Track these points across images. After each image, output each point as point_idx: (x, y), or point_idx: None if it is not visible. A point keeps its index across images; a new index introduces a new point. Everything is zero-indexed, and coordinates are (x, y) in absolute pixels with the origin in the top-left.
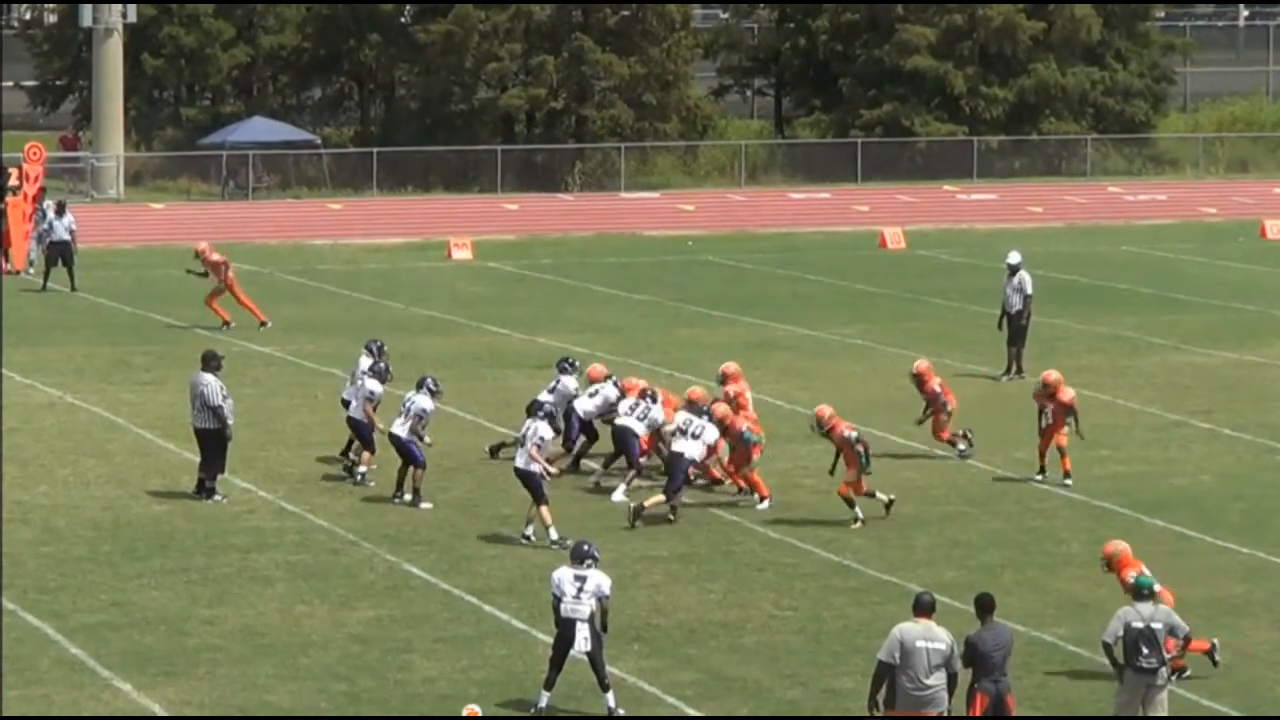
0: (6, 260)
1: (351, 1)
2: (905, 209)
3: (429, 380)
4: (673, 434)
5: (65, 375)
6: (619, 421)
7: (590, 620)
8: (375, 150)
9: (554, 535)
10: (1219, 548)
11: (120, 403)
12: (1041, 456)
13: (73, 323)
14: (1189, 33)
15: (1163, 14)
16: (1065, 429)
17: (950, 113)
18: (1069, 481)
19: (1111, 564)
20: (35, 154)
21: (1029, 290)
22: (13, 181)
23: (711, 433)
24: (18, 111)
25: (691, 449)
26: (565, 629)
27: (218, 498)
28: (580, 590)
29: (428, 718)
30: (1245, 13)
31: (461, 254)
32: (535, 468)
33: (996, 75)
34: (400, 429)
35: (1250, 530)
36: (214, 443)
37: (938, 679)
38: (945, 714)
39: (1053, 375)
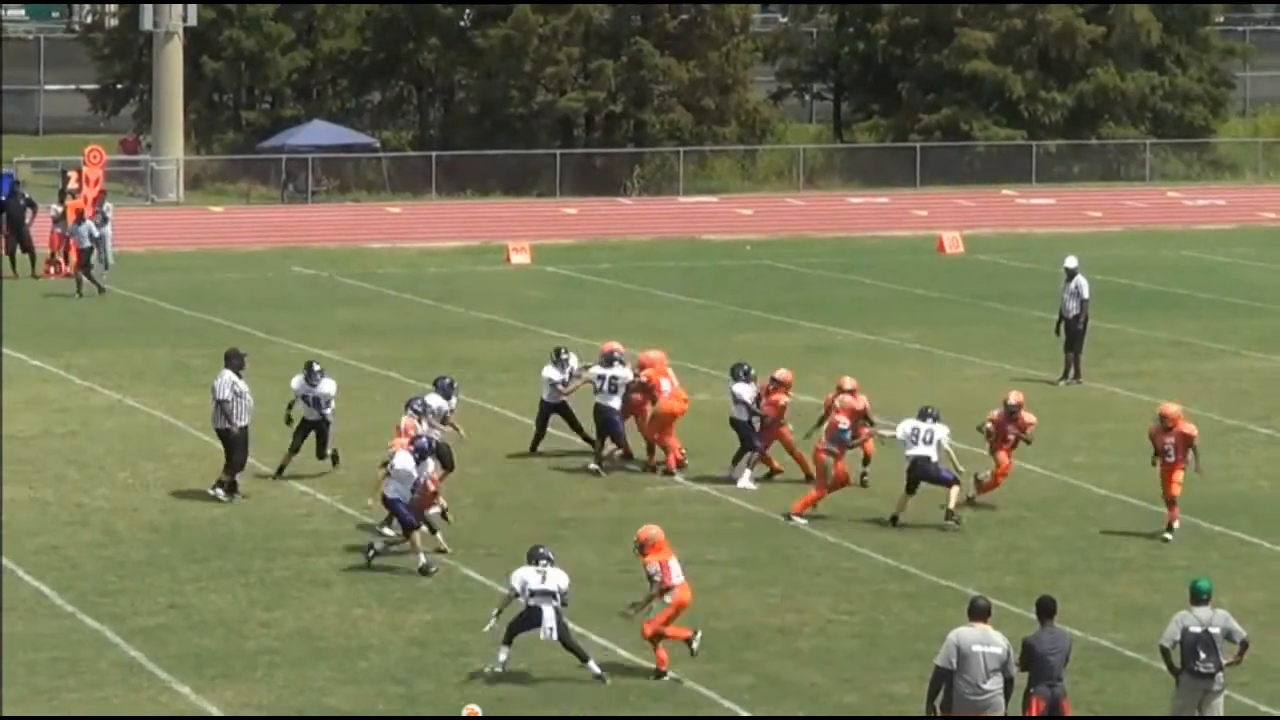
0: (66, 263)
1: (411, 2)
2: (963, 213)
3: (444, 379)
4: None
5: (124, 378)
6: (595, 401)
7: (556, 609)
8: (434, 154)
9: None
10: (1277, 553)
11: (179, 406)
12: (1170, 505)
13: (132, 325)
14: (1248, 37)
15: (1222, 18)
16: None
17: (1009, 117)
18: (1169, 536)
19: None
20: (95, 157)
21: (1086, 295)
22: (71, 185)
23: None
24: (79, 115)
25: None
26: (531, 614)
27: (238, 496)
28: (544, 579)
29: (427, 718)
30: None
31: (520, 258)
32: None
33: (1055, 79)
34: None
35: None
36: (226, 441)
37: (995, 683)
38: (1003, 718)
39: (1171, 408)
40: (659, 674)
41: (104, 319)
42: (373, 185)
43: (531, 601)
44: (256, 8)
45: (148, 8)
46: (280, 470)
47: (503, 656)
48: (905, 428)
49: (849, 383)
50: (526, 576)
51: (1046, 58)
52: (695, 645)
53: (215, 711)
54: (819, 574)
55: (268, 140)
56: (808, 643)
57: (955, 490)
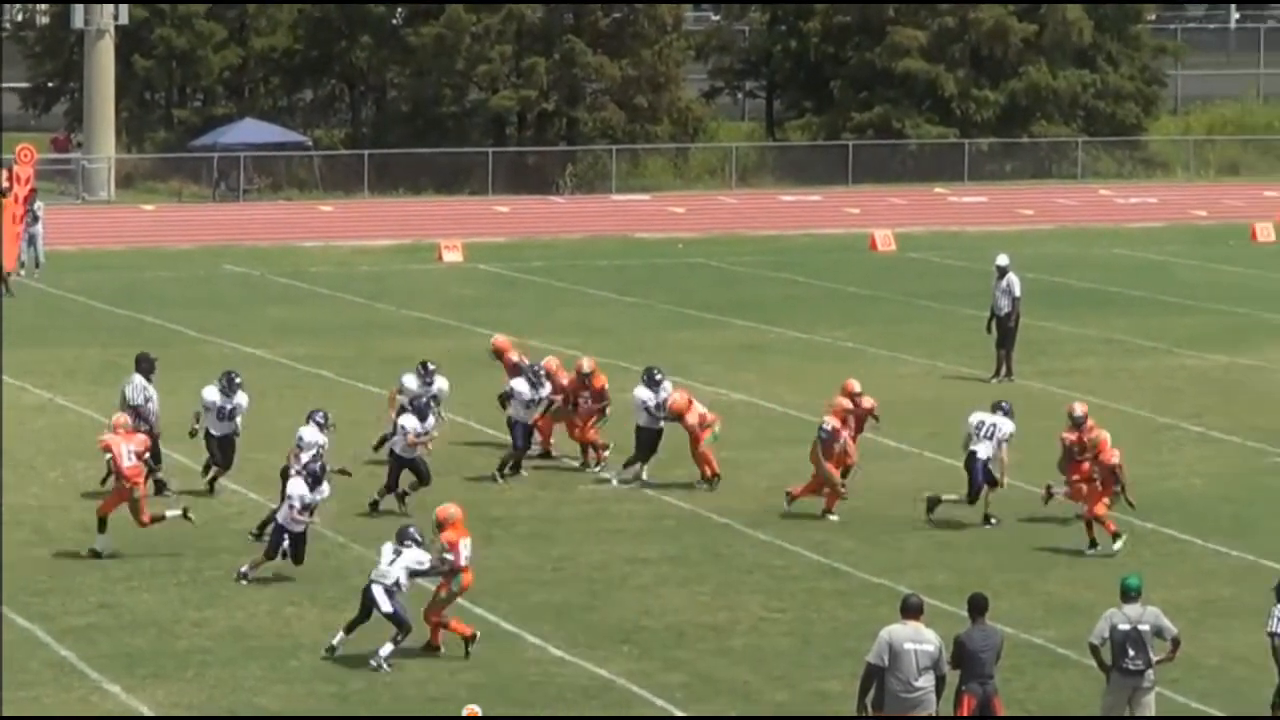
0: None
1: (343, 2)
2: (896, 211)
3: (318, 414)
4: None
5: (55, 377)
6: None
7: (393, 585)
8: (366, 152)
9: None
10: (1209, 550)
11: (111, 405)
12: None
13: (63, 324)
14: (1180, 35)
15: (1154, 16)
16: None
17: (941, 115)
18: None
19: None
20: (26, 156)
21: (1017, 292)
22: (3, 183)
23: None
24: (10, 114)
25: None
26: (366, 592)
27: (167, 493)
28: (393, 561)
29: (431, 718)
30: (1236, 15)
31: (452, 256)
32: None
33: (987, 78)
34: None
35: (1240, 533)
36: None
37: (926, 681)
38: (934, 716)
39: (1079, 408)
40: (432, 647)
41: (35, 318)
42: (305, 184)
43: (372, 578)
44: (188, 6)
45: (79, 6)
46: (211, 484)
47: (335, 640)
48: (973, 420)
49: (855, 386)
50: (382, 553)
51: (978, 56)
52: (472, 648)
53: (146, 711)
54: (751, 572)
55: (199, 139)
56: (740, 641)
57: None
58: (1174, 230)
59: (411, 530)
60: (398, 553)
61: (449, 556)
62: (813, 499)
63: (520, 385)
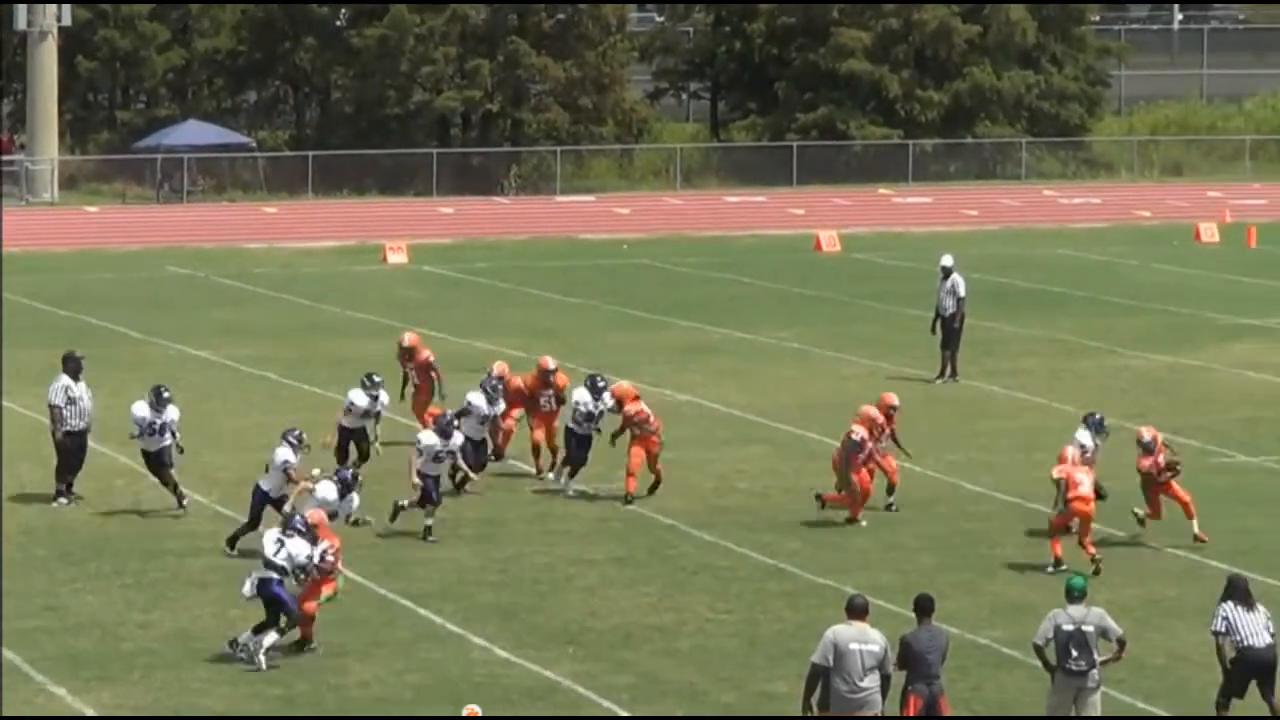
0: None
1: (287, 1)
2: (841, 212)
3: (291, 433)
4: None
5: None
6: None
7: (269, 569)
8: (310, 153)
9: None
10: (1152, 550)
11: None
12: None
13: (6, 326)
14: (1123, 36)
15: (1097, 17)
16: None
17: (885, 116)
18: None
19: None
20: None
21: (962, 293)
22: None
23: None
24: None
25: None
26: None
27: (62, 500)
28: (275, 553)
29: (428, 717)
30: (1179, 16)
31: (397, 258)
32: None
33: (932, 79)
34: (266, 483)
35: (1185, 533)
36: (58, 447)
37: (871, 681)
38: (879, 716)
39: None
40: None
41: None
42: (249, 185)
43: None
44: (131, 7)
45: (21, 7)
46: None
47: (241, 638)
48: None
49: (894, 399)
50: (266, 541)
51: (923, 57)
52: (314, 646)
53: (91, 713)
54: (696, 573)
55: (143, 140)
56: (686, 642)
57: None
58: (1118, 231)
59: (296, 521)
60: (281, 543)
61: (330, 558)
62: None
63: (477, 399)
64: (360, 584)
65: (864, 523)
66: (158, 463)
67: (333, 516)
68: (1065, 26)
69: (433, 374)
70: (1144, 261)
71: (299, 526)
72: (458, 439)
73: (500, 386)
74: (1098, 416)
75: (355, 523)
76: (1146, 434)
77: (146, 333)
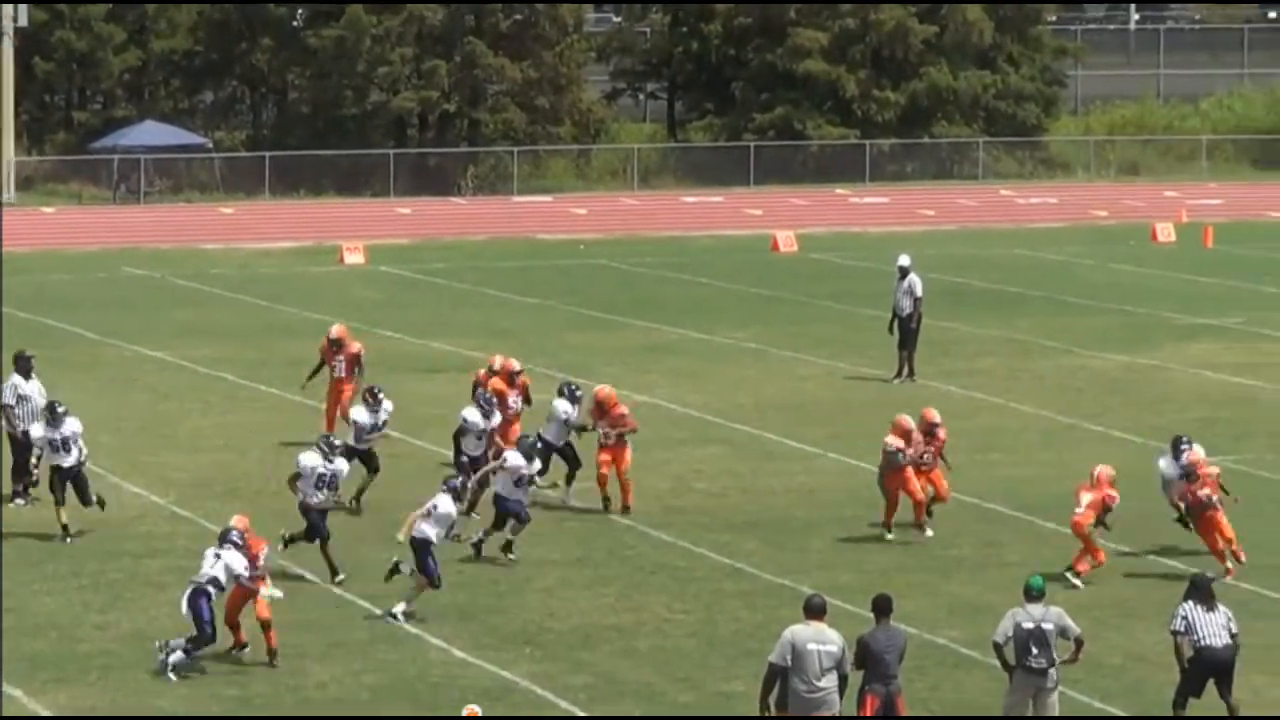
0: None
1: (243, 1)
2: (798, 212)
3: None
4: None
5: None
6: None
7: (207, 585)
8: (267, 154)
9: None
10: (1111, 550)
11: None
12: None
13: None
14: (1080, 36)
15: (1054, 18)
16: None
17: (842, 116)
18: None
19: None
20: None
21: (919, 293)
22: None
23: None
24: None
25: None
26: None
27: (19, 502)
28: (212, 566)
29: (427, 717)
30: (1135, 16)
31: (354, 258)
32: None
33: (888, 79)
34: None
35: (1141, 532)
36: (13, 446)
37: (829, 681)
38: (837, 716)
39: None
40: (241, 647)
41: None
42: (205, 186)
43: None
44: (87, 8)
45: None
46: (64, 529)
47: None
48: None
49: (935, 416)
50: (206, 555)
51: (879, 57)
52: (243, 653)
53: (47, 714)
54: (654, 573)
55: (99, 141)
56: (644, 642)
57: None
58: (1075, 230)
59: (233, 534)
60: (218, 556)
61: (262, 563)
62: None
63: (472, 415)
64: (317, 585)
65: (891, 535)
66: (72, 480)
67: (451, 532)
68: (1022, 27)
69: (358, 368)
70: (1101, 261)
71: (235, 540)
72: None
73: (493, 400)
74: (1185, 441)
75: (456, 538)
76: (1187, 456)
77: (103, 334)
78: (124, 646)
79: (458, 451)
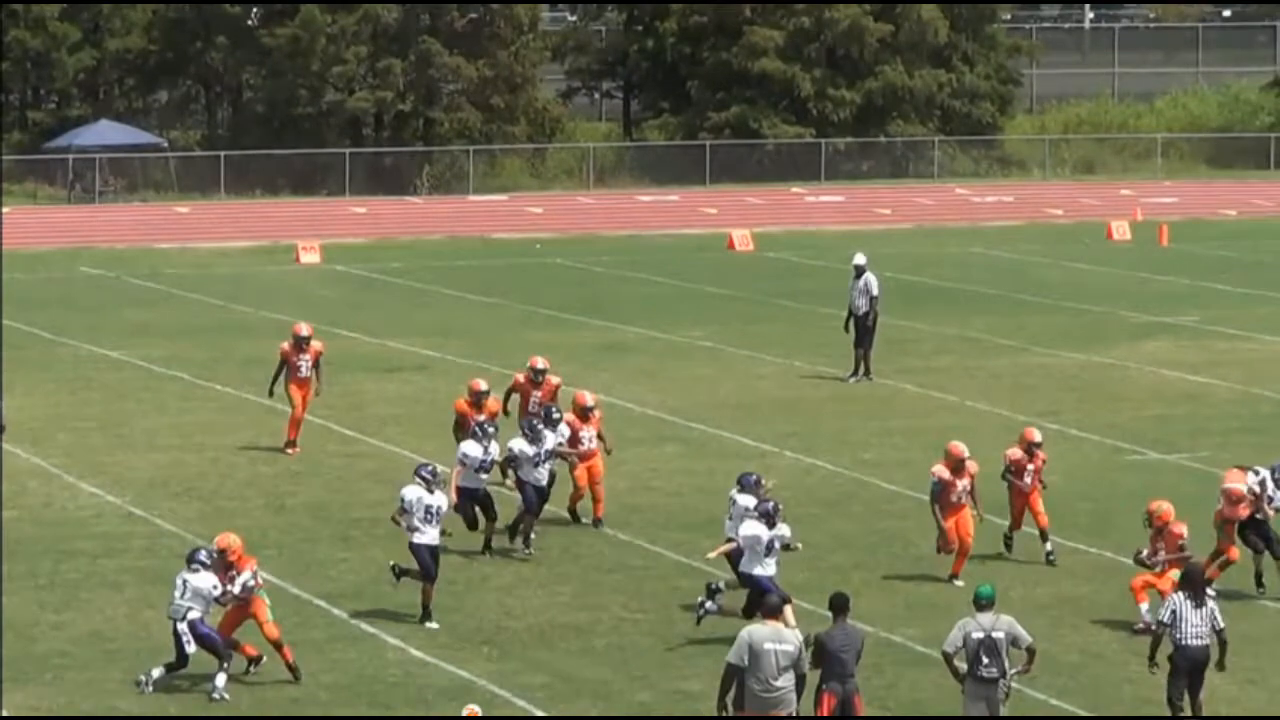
0: None
1: (198, 2)
2: (753, 211)
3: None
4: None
5: None
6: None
7: (193, 617)
8: (222, 153)
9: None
10: (1067, 548)
11: None
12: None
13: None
14: (1035, 35)
15: (1009, 16)
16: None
17: (798, 115)
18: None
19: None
20: None
21: (875, 292)
22: None
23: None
24: None
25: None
26: (175, 634)
27: None
28: (183, 595)
29: (427, 717)
30: (1090, 15)
31: (310, 258)
32: None
33: (844, 77)
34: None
35: (1097, 530)
36: None
37: (786, 680)
38: (794, 714)
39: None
40: (256, 661)
41: None
42: (160, 185)
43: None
44: (41, 7)
45: None
46: None
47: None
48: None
49: (1036, 435)
50: (175, 583)
51: (835, 56)
52: (255, 669)
53: (5, 714)
54: (611, 572)
55: (54, 140)
56: (601, 641)
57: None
58: (1030, 229)
59: (200, 554)
60: (185, 582)
61: (251, 584)
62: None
63: (521, 445)
64: (275, 585)
65: (960, 583)
66: None
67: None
68: (977, 25)
69: (319, 367)
70: (1056, 260)
71: (203, 560)
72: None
73: (540, 422)
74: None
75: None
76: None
77: (58, 333)
78: (80, 647)
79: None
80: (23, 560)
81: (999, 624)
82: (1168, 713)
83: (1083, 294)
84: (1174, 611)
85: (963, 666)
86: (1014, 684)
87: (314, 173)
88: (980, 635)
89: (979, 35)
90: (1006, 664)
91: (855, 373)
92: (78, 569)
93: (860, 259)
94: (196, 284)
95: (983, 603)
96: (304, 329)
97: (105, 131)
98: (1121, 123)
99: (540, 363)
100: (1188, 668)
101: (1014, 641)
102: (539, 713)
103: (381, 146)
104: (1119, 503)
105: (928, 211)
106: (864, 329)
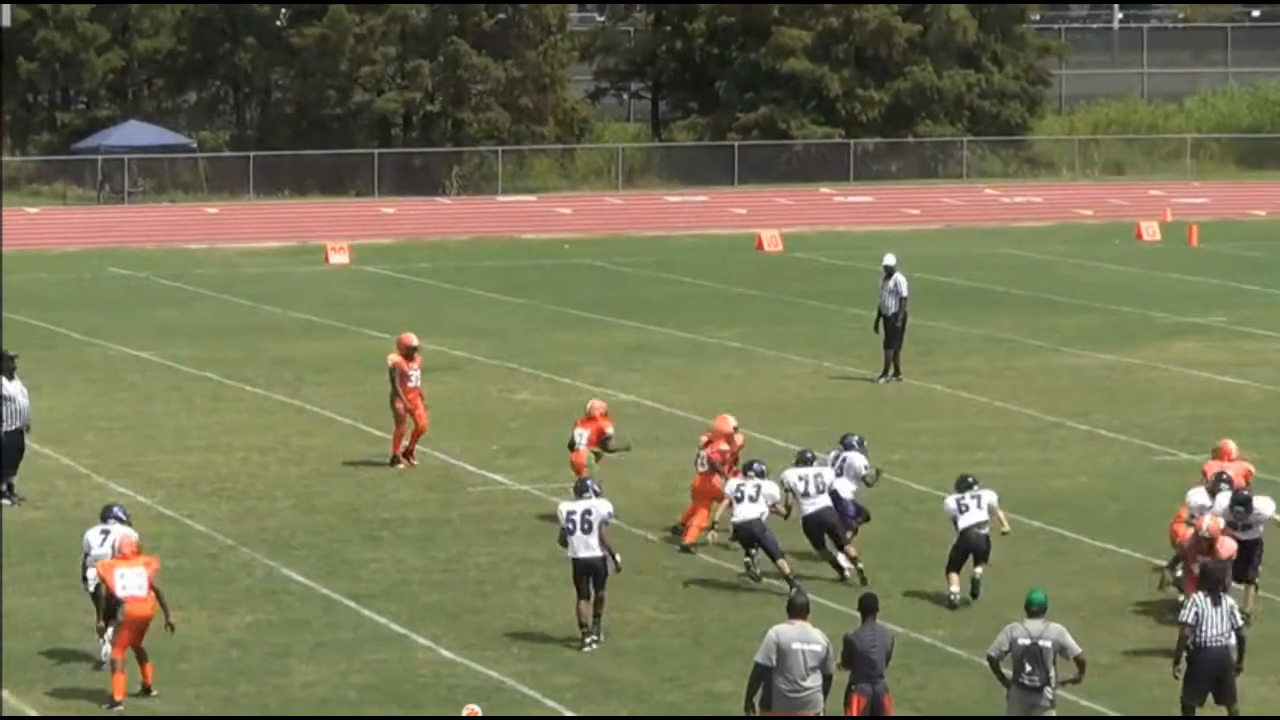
0: None
1: (226, 2)
2: (782, 211)
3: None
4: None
5: None
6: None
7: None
8: (251, 154)
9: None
10: (1097, 548)
11: None
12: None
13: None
14: (1064, 35)
15: (1038, 16)
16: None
17: (826, 115)
18: None
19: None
20: None
21: (905, 293)
22: None
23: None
24: None
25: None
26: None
27: (6, 501)
28: (103, 544)
29: (417, 717)
30: (1119, 15)
31: (339, 258)
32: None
33: (872, 78)
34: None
35: (1127, 531)
36: None
37: (814, 680)
38: (821, 715)
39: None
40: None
41: None
42: (189, 186)
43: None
44: (70, 8)
45: None
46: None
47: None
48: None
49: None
50: (90, 538)
51: (863, 56)
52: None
53: (34, 714)
54: (641, 573)
55: (84, 141)
56: (631, 641)
57: None
58: (1059, 230)
59: (115, 510)
60: (105, 534)
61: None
62: None
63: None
64: (304, 585)
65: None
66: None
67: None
68: (1005, 25)
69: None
70: (1085, 260)
71: (119, 515)
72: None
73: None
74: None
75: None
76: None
77: (88, 333)
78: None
79: None
80: (52, 560)
81: (1047, 632)
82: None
83: (1112, 295)
84: (1198, 613)
85: (1009, 672)
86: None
87: (343, 173)
88: (1026, 642)
89: (1008, 35)
90: (1052, 673)
91: (885, 373)
92: None
93: (890, 259)
94: (225, 284)
95: (1033, 609)
96: (414, 339)
97: (134, 132)
98: (1151, 123)
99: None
100: (1210, 672)
101: (1062, 651)
102: (569, 713)
103: (410, 147)
104: (1148, 503)
105: (956, 212)
106: (893, 329)
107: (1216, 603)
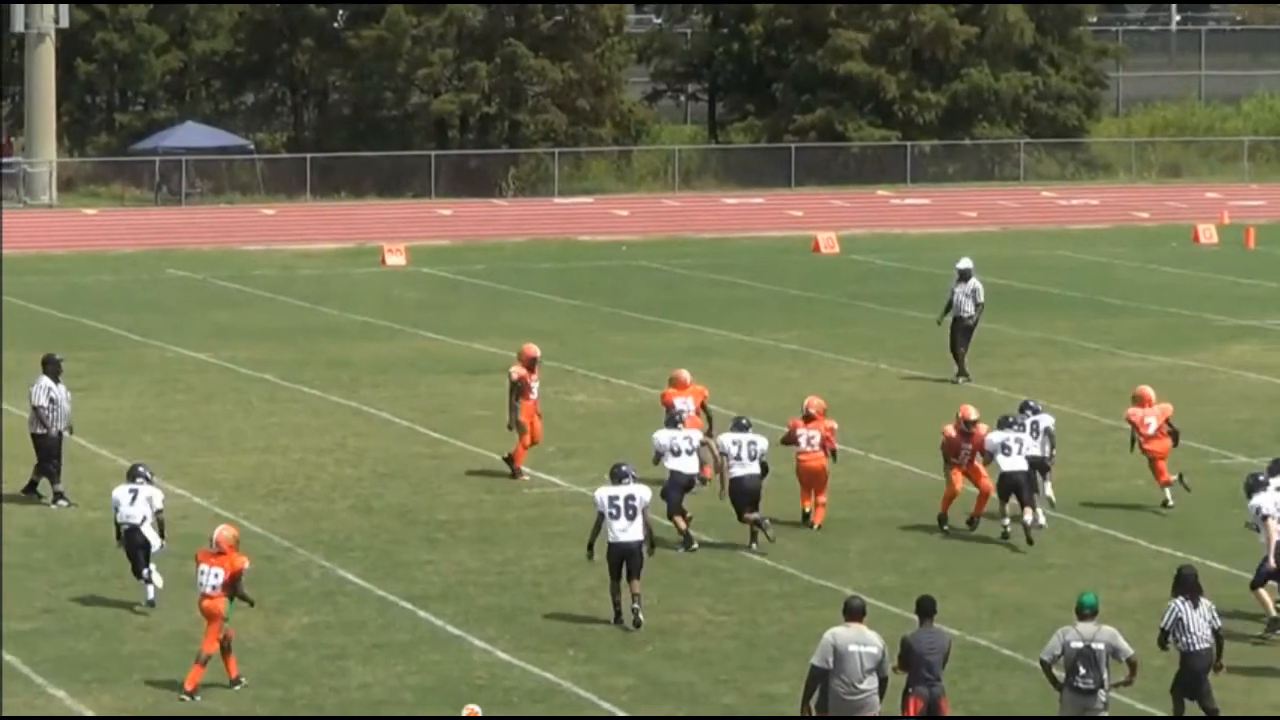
0: None
1: (284, 1)
2: (839, 214)
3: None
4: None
5: None
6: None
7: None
8: (308, 155)
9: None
10: (1153, 551)
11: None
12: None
13: (6, 327)
14: (1121, 37)
15: (1095, 18)
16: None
17: (883, 117)
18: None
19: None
20: None
21: (981, 298)
22: None
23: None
24: None
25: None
26: (131, 537)
27: (61, 503)
28: (133, 502)
29: (431, 718)
30: (1177, 17)
31: (396, 260)
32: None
33: (929, 80)
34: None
35: (1183, 533)
36: (41, 447)
37: (870, 683)
38: (878, 717)
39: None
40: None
41: None
42: (247, 187)
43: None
44: (129, 9)
45: (19, 9)
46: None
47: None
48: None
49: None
50: (119, 496)
51: (920, 58)
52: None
53: (90, 715)
54: (697, 574)
55: (141, 142)
56: (686, 644)
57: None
58: (1116, 232)
59: (140, 469)
60: (134, 492)
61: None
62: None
63: None
64: (360, 587)
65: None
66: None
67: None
68: (1063, 28)
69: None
70: (1142, 263)
71: (144, 474)
72: None
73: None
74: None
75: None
76: None
77: (145, 335)
78: (167, 647)
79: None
80: (110, 562)
81: (1100, 635)
82: (1239, 713)
83: (1169, 297)
84: (1178, 618)
85: (1062, 675)
86: (1109, 708)
87: (399, 175)
88: (1079, 645)
89: (1065, 37)
90: (1105, 676)
91: (962, 374)
92: (165, 570)
93: (966, 263)
94: (282, 286)
95: (1085, 612)
96: (537, 350)
97: (192, 134)
98: (1208, 125)
99: (972, 414)
100: (1195, 674)
101: (1114, 653)
102: (623, 714)
103: (467, 149)
104: (1204, 506)
105: (1013, 214)
106: (965, 330)
107: (1195, 605)
